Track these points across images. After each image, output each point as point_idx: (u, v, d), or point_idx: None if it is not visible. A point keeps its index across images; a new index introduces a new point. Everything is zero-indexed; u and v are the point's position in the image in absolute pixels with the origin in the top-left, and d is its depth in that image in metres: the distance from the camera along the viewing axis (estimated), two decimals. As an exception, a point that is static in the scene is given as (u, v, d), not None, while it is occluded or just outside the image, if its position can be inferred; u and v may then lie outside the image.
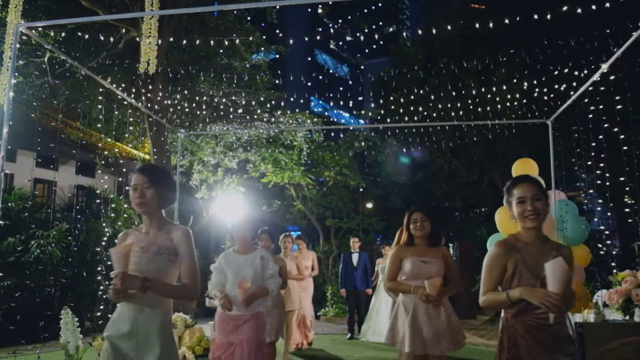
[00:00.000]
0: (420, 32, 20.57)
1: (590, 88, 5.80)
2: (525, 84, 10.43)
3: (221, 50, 11.52)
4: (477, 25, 6.91)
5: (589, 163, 6.44)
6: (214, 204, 11.56)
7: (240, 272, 3.76)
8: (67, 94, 10.82)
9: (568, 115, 6.65)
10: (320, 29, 50.10)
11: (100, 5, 9.38)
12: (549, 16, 5.35)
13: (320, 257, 12.63)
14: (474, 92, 11.29)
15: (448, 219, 17.48)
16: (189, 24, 11.42)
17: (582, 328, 3.92)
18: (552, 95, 8.57)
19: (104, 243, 8.65)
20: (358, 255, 8.78)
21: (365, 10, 56.22)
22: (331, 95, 45.92)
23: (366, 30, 54.66)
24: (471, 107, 10.85)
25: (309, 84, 43.99)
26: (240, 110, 11.42)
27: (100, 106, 10.57)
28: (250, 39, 11.77)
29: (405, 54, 15.61)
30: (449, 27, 12.86)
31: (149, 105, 9.37)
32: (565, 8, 5.49)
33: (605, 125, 6.27)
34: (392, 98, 13.56)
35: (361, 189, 14.24)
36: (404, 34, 54.81)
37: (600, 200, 11.32)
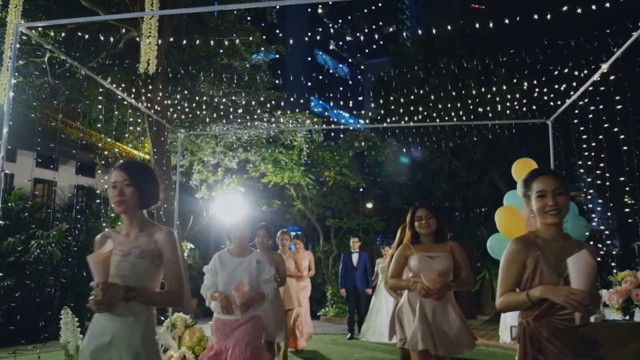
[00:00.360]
0: (420, 32, 20.53)
1: (590, 88, 5.78)
2: (525, 84, 10.41)
3: (221, 50, 11.53)
4: (477, 25, 6.88)
5: (589, 163, 6.44)
6: (214, 204, 11.57)
7: (235, 275, 3.60)
8: (67, 94, 10.81)
9: (568, 115, 6.63)
10: (320, 29, 50.03)
11: (100, 5, 9.39)
12: (549, 16, 5.34)
13: (320, 257, 12.64)
14: (474, 92, 11.27)
15: (448, 219, 17.40)
16: (189, 24, 11.43)
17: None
18: (552, 95, 8.55)
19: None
20: (358, 255, 8.79)
21: (365, 10, 56.18)
22: (331, 95, 45.83)
23: (366, 30, 54.60)
24: (471, 107, 10.84)
25: (309, 84, 43.95)
26: (240, 110, 11.42)
27: (100, 106, 10.59)
28: (250, 39, 11.78)
29: (405, 54, 15.59)
30: (449, 27, 12.84)
31: (149, 105, 9.38)
32: (565, 8, 5.48)
33: (605, 125, 6.27)
34: (392, 98, 13.54)
35: (361, 189, 14.25)
36: (404, 34, 54.74)
37: (600, 200, 11.32)
